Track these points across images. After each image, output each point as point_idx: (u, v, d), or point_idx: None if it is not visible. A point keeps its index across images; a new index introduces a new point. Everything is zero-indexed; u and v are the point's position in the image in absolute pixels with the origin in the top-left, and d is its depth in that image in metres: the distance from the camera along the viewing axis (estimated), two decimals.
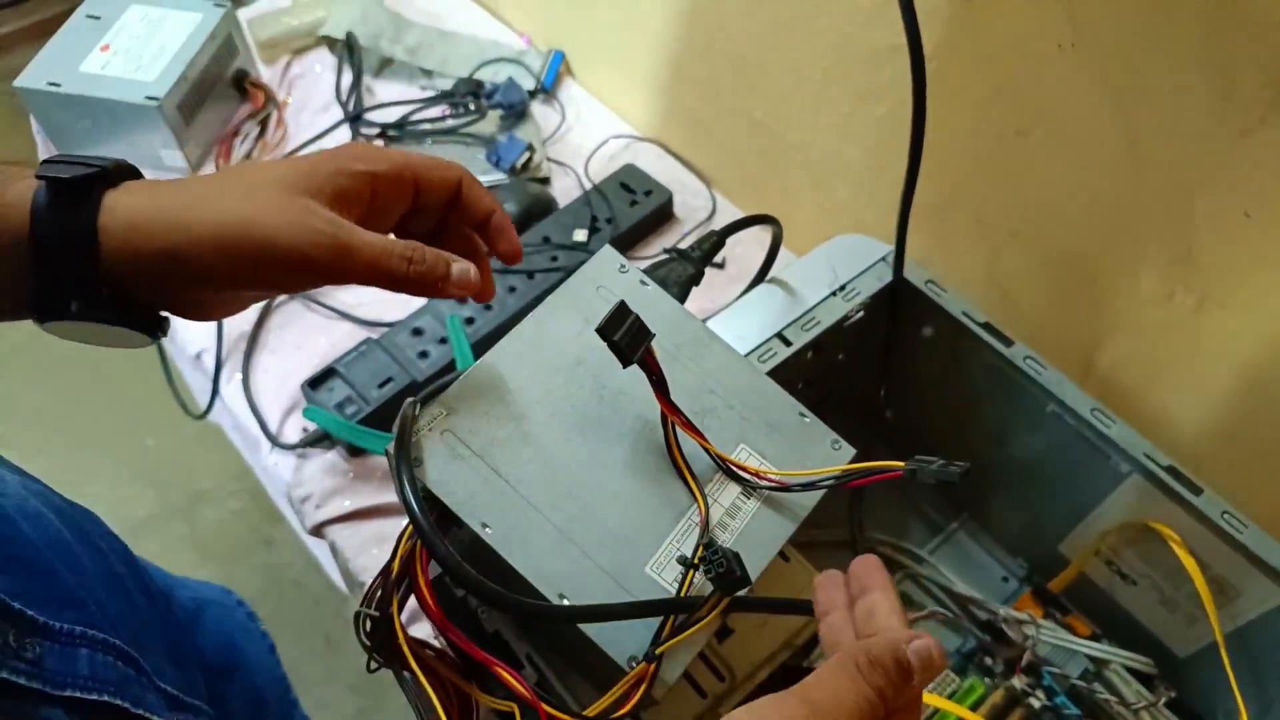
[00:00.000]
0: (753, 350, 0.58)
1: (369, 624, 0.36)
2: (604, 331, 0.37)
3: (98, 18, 0.94)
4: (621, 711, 0.35)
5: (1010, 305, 0.70)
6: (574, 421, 0.41)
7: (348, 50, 1.02)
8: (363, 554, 0.72)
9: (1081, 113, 0.57)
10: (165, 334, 0.40)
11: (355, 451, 0.75)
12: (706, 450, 0.41)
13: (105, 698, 0.41)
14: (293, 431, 0.78)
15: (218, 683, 0.59)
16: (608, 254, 0.47)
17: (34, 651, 0.38)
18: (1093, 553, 0.62)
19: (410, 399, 0.39)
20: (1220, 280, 0.56)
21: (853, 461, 0.45)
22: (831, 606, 0.38)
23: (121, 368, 1.70)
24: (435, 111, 0.98)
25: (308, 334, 0.83)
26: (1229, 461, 0.62)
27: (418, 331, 0.80)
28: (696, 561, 0.37)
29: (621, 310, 0.37)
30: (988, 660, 0.64)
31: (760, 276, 0.64)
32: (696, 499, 0.40)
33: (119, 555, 0.51)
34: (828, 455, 0.44)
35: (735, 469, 0.42)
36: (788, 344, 0.58)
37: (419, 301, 0.83)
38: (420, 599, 0.36)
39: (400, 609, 0.36)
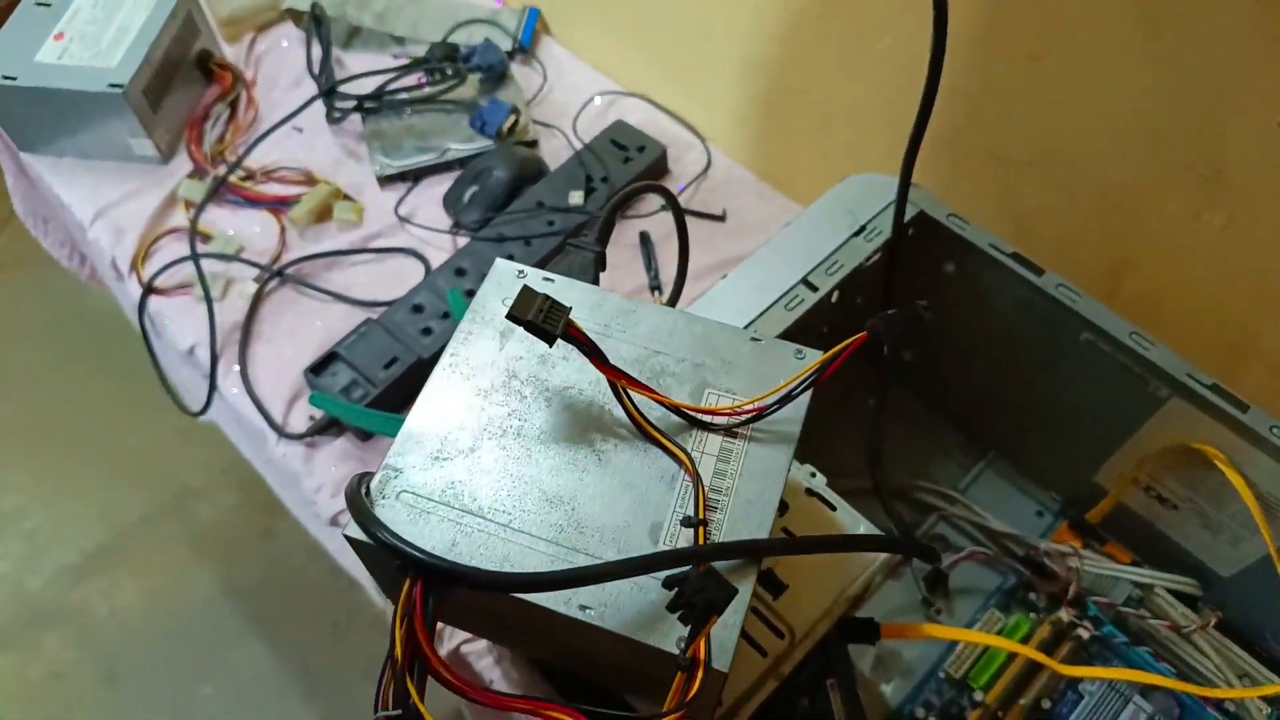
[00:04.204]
0: (779, 299, 0.56)
1: None
2: (515, 315, 0.36)
3: (48, 4, 0.90)
4: (690, 695, 0.33)
5: (1028, 240, 0.68)
6: (528, 435, 0.39)
7: (314, 22, 0.98)
8: None
9: (1100, 31, 0.55)
10: None
11: (365, 436, 0.73)
12: (664, 404, 0.39)
13: None
14: (298, 421, 0.75)
15: None
16: (501, 265, 0.45)
17: None
18: (1130, 481, 0.61)
19: (352, 477, 0.37)
20: (1251, 196, 0.55)
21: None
22: None
23: (97, 367, 1.66)
24: (411, 80, 0.94)
25: (302, 319, 0.80)
26: (1266, 385, 0.61)
27: (418, 308, 0.77)
28: (676, 593, 0.34)
29: (527, 291, 0.36)
30: (1031, 596, 0.63)
31: (681, 265, 0.53)
32: (680, 457, 0.38)
33: None
34: (796, 367, 0.41)
35: (703, 415, 0.40)
36: (814, 289, 0.56)
37: (414, 279, 0.81)
38: (437, 673, 0.33)
39: (422, 696, 0.33)
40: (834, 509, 0.50)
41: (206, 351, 0.78)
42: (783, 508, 0.50)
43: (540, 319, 0.36)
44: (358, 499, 0.35)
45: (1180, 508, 0.60)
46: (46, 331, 1.73)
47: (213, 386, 0.78)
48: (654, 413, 0.40)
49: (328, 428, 0.73)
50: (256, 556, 1.46)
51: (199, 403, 0.81)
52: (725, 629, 0.35)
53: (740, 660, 0.46)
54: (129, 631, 1.40)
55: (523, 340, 0.42)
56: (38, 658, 1.38)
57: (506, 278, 0.44)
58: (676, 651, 0.34)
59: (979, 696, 0.59)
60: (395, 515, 0.37)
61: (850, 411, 0.70)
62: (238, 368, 0.78)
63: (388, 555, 0.33)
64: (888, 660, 0.63)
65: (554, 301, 0.37)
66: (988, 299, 0.61)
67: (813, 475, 0.51)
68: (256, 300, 0.81)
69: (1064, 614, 0.61)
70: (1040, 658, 0.53)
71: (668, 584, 0.34)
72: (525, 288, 0.37)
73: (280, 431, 0.74)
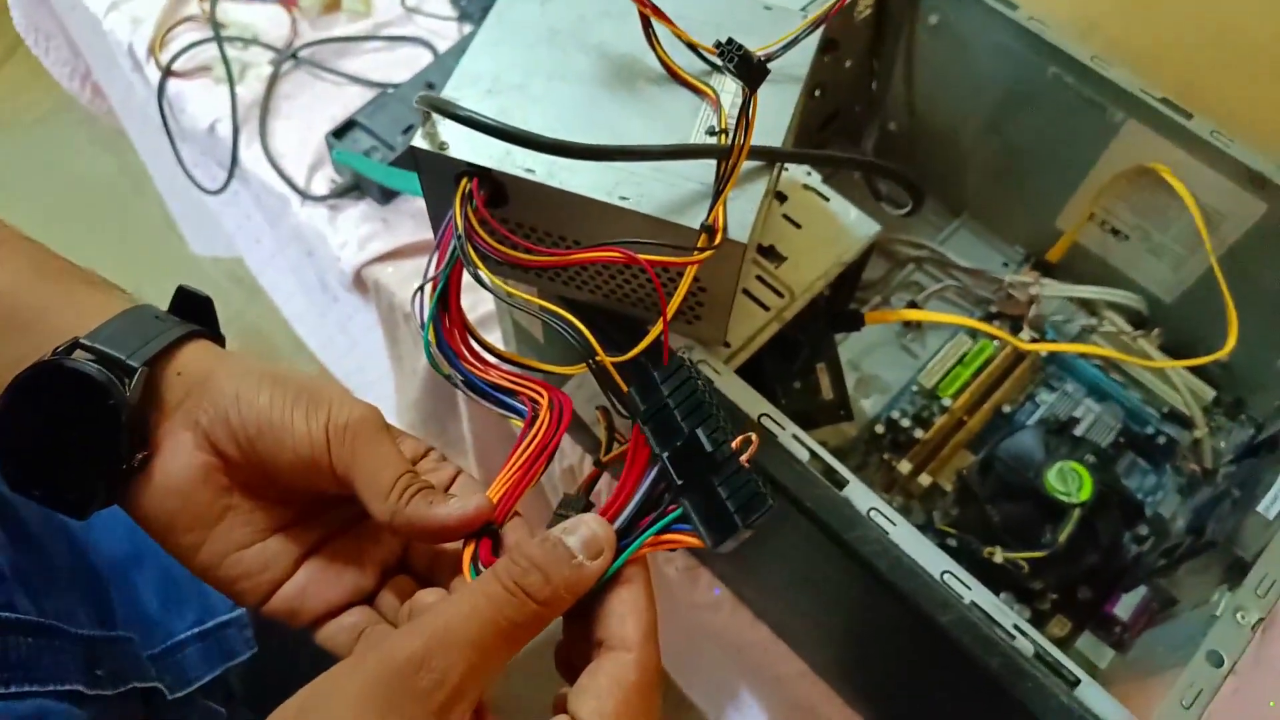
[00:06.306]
0: None
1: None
2: None
3: None
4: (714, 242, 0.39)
5: None
6: (570, 76, 0.44)
7: None
8: (404, 288, 0.75)
9: None
10: None
11: (387, 197, 0.78)
12: (684, 40, 0.44)
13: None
14: (319, 187, 0.80)
15: (128, 573, 0.51)
16: None
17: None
18: (1087, 216, 0.68)
19: (417, 96, 0.41)
20: None
21: None
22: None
23: (92, 223, 1.67)
24: None
25: (318, 99, 0.84)
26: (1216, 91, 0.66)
27: (430, 85, 0.81)
28: (721, 61, 0.39)
29: None
30: (995, 324, 0.71)
31: None
32: (704, 91, 0.44)
33: None
34: None
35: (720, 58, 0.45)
36: None
37: (425, 60, 0.85)
38: (485, 244, 0.38)
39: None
40: (827, 200, 0.56)
41: (227, 127, 0.82)
42: (781, 198, 0.56)
43: None
44: (429, 97, 0.40)
45: (1130, 237, 0.67)
46: (40, 188, 1.75)
47: (234, 160, 0.82)
48: (682, 58, 0.45)
49: (348, 191, 0.78)
50: None
51: (219, 182, 0.85)
52: (742, 212, 0.41)
53: (744, 314, 0.53)
54: None
55: (561, 4, 0.47)
56: None
57: None
58: (697, 228, 0.40)
59: (947, 403, 0.67)
60: (453, 130, 0.42)
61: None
62: (259, 141, 0.82)
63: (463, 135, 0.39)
64: (868, 382, 0.70)
65: None
66: (968, 48, 0.66)
67: (809, 174, 0.57)
68: (273, 81, 0.84)
69: (1025, 334, 0.68)
70: (1004, 336, 0.60)
71: None
72: None
73: (304, 194, 0.79)
